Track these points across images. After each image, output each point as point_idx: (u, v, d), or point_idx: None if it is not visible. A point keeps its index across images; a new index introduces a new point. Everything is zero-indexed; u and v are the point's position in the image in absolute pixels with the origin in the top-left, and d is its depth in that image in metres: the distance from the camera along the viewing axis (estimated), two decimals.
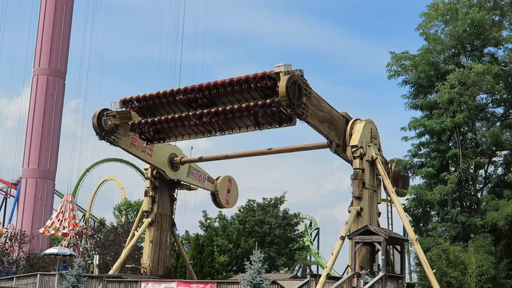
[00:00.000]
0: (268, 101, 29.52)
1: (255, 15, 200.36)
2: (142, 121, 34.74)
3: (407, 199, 43.41)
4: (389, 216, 32.92)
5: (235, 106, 30.84)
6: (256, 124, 31.07)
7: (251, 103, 30.33)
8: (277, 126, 30.43)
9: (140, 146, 37.66)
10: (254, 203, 62.02)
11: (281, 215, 61.80)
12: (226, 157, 38.93)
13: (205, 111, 31.98)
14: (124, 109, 35.67)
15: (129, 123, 35.37)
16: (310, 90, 29.44)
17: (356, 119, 32.42)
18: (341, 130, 31.61)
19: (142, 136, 35.68)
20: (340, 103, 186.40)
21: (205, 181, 42.89)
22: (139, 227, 39.72)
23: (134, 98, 34.60)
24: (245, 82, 30.12)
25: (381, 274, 28.18)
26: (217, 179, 43.79)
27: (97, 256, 44.28)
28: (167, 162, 39.54)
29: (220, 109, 31.37)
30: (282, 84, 28.07)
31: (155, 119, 34.22)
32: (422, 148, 45.27)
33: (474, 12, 42.91)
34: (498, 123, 45.40)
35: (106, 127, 36.09)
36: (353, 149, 31.34)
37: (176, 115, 33.22)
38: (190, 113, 32.46)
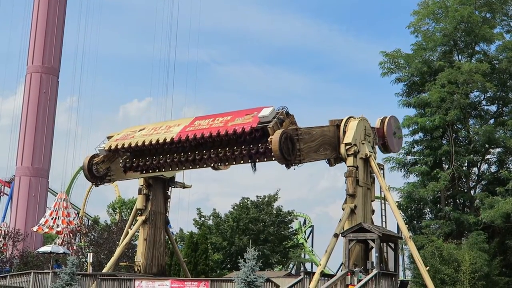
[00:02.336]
0: (261, 149, 30.37)
1: (251, 13, 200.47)
2: (134, 164, 35.23)
3: (400, 197, 43.45)
4: (383, 213, 33.04)
5: (227, 150, 31.37)
6: (252, 160, 31.61)
7: (244, 150, 30.92)
8: (273, 159, 30.62)
9: None
10: (248, 200, 62.03)
11: (275, 212, 61.84)
12: None
13: (197, 156, 32.47)
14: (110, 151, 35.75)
15: (121, 165, 35.84)
16: (299, 132, 29.70)
17: (350, 117, 32.48)
18: (336, 141, 31.73)
19: (135, 171, 36.10)
20: (335, 101, 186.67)
21: None
22: (133, 225, 39.69)
23: (120, 148, 34.83)
24: (234, 134, 30.54)
25: (374, 271, 28.25)
26: None
27: (91, 254, 44.16)
28: None
29: (212, 154, 31.86)
30: (275, 148, 28.34)
31: (147, 162, 34.68)
32: (415, 146, 45.35)
33: (463, 8, 43.02)
34: (491, 121, 45.48)
35: (99, 174, 36.37)
36: (347, 147, 31.42)
37: (168, 158, 33.62)
38: (182, 158, 32.97)
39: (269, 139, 29.10)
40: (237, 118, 31.46)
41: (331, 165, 32.31)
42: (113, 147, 35.04)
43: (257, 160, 31.17)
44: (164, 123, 35.65)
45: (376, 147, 34.54)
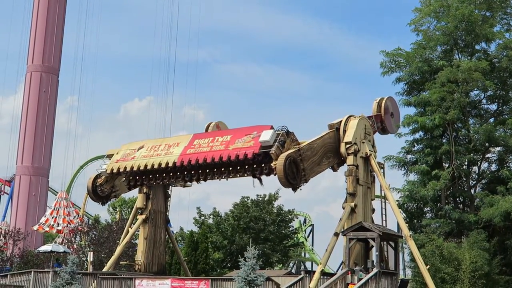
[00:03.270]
0: (265, 170, 30.57)
1: (252, 11, 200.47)
2: (138, 182, 35.90)
3: (400, 197, 43.47)
4: (383, 212, 33.00)
5: (231, 170, 31.80)
6: (257, 177, 31.89)
7: (248, 171, 31.39)
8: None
9: None
10: (248, 199, 62.04)
11: (275, 211, 61.85)
12: None
13: (201, 176, 32.94)
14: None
15: (125, 184, 36.78)
16: (302, 151, 29.58)
17: (350, 116, 32.47)
18: (337, 145, 31.72)
19: (139, 187, 37.28)
20: (335, 99, 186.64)
21: None
22: (133, 224, 39.68)
23: (122, 171, 35.18)
24: (236, 158, 30.72)
25: (375, 270, 28.25)
26: (206, 129, 42.81)
27: (91, 253, 44.16)
28: None
29: (215, 173, 32.38)
30: (280, 175, 28.47)
31: (150, 180, 35.20)
32: (416, 145, 45.37)
33: (463, 7, 43.04)
34: (491, 120, 45.50)
35: (104, 194, 37.15)
36: (347, 146, 31.38)
37: (172, 177, 34.17)
38: (186, 178, 33.58)
39: (272, 165, 29.42)
40: (237, 140, 31.41)
41: (335, 170, 32.34)
42: (115, 170, 35.36)
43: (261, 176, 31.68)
44: (163, 140, 35.48)
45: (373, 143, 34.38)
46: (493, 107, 46.55)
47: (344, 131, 31.77)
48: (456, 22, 43.67)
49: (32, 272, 36.28)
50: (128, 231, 39.33)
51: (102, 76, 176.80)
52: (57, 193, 64.55)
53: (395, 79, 46.10)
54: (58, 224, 56.27)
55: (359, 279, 27.85)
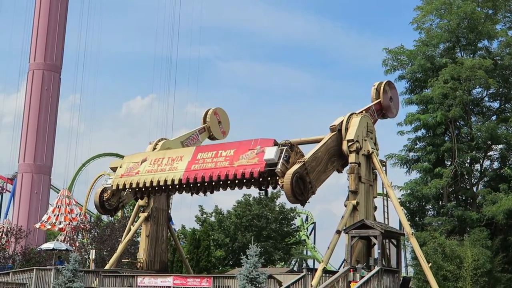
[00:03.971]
0: (272, 184, 30.82)
1: (254, 9, 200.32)
2: (144, 194, 36.37)
3: (402, 194, 43.44)
4: (385, 210, 32.97)
5: (237, 184, 31.92)
6: (262, 190, 32.43)
7: (255, 185, 31.61)
8: None
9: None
10: (250, 197, 62.05)
11: (278, 209, 61.86)
12: None
13: (208, 189, 33.27)
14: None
15: (132, 196, 37.39)
16: (307, 164, 29.51)
17: (352, 113, 32.42)
18: (340, 147, 31.69)
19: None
20: (337, 97, 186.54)
21: (199, 135, 42.42)
22: (136, 222, 39.70)
23: (128, 187, 35.40)
24: (242, 176, 30.92)
25: (377, 268, 28.21)
26: (204, 117, 43.01)
27: (94, 250, 44.22)
28: None
29: (222, 187, 32.60)
30: (288, 193, 28.59)
31: (157, 192, 35.86)
32: (418, 143, 45.34)
33: (466, 4, 42.97)
34: (493, 117, 45.45)
35: (111, 207, 37.53)
36: (349, 143, 31.33)
37: (178, 190, 34.42)
38: (193, 191, 33.79)
39: (279, 183, 29.62)
40: (241, 156, 31.52)
41: (340, 172, 32.28)
42: (120, 185, 35.57)
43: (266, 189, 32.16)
44: (165, 153, 35.57)
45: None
46: (495, 105, 46.54)
47: (346, 128, 31.71)
48: (458, 20, 43.62)
49: (34, 270, 36.28)
50: (130, 229, 39.35)
51: (104, 74, 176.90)
52: (59, 191, 64.56)
53: (397, 76, 46.09)
54: (60, 222, 56.27)
55: (361, 277, 27.82)
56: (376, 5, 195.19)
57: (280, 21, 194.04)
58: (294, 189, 28.49)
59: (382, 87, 34.80)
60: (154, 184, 34.06)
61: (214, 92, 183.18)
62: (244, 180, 31.44)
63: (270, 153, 29.81)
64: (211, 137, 42.77)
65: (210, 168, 32.22)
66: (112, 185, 35.88)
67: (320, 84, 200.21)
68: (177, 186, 33.76)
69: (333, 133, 31.61)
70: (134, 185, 34.92)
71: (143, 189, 35.20)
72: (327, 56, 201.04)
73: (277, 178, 29.61)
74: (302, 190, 29.09)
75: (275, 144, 30.51)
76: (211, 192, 33.50)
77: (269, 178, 30.49)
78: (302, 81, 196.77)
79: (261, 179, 30.90)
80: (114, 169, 37.01)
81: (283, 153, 29.75)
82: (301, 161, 29.34)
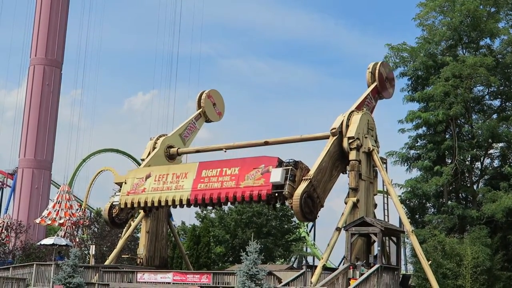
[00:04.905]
0: (279, 201, 31.18)
1: (256, 6, 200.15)
2: (153, 209, 37.15)
3: (403, 192, 43.40)
4: (385, 207, 32.99)
5: (244, 201, 32.30)
6: (271, 205, 32.92)
7: (262, 202, 32.07)
8: None
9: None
10: None
11: (278, 206, 61.87)
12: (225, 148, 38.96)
13: (216, 206, 34.25)
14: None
15: (140, 211, 37.95)
16: (313, 180, 29.55)
17: (353, 111, 32.37)
18: (342, 150, 31.67)
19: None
20: (339, 95, 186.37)
21: (196, 122, 42.45)
22: (136, 218, 39.72)
23: (136, 206, 35.87)
24: (250, 198, 31.32)
25: (377, 265, 28.23)
26: (199, 101, 42.92)
27: (93, 246, 44.24)
28: (164, 156, 39.54)
29: (228, 202, 33.00)
30: (298, 215, 29.05)
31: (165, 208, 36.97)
32: (419, 140, 45.29)
33: (469, 2, 42.89)
34: (494, 116, 45.39)
35: (121, 221, 37.91)
36: (350, 141, 31.30)
37: (186, 206, 34.59)
38: (200, 208, 34.18)
39: (287, 203, 30.15)
40: (246, 175, 31.66)
41: (345, 173, 32.25)
42: (128, 204, 35.95)
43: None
44: (169, 169, 35.75)
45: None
46: (497, 103, 46.47)
47: (347, 126, 31.65)
48: (461, 17, 43.52)
49: (34, 265, 36.30)
50: (130, 225, 39.39)
51: (105, 70, 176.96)
52: (60, 186, 64.51)
53: (399, 73, 46.00)
54: (60, 218, 56.25)
55: (361, 274, 27.84)
56: (378, 2, 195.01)
57: (281, 19, 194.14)
58: (303, 210, 28.75)
59: (377, 69, 34.66)
60: (162, 203, 34.66)
61: (216, 88, 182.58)
62: (252, 200, 31.93)
63: (276, 175, 30.07)
64: (208, 121, 42.82)
65: (217, 188, 32.52)
66: (120, 203, 36.15)
67: (322, 81, 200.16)
68: (184, 205, 34.24)
69: (335, 137, 31.49)
70: (142, 204, 35.41)
71: (151, 206, 35.66)
72: (329, 54, 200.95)
73: (285, 194, 29.84)
74: (311, 208, 29.32)
75: (279, 162, 30.68)
76: (220, 206, 34.00)
77: (276, 194, 30.58)
78: (304, 79, 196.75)
79: (268, 198, 31.14)
80: (119, 184, 37.35)
81: (289, 173, 29.89)
82: (307, 179, 29.37)
